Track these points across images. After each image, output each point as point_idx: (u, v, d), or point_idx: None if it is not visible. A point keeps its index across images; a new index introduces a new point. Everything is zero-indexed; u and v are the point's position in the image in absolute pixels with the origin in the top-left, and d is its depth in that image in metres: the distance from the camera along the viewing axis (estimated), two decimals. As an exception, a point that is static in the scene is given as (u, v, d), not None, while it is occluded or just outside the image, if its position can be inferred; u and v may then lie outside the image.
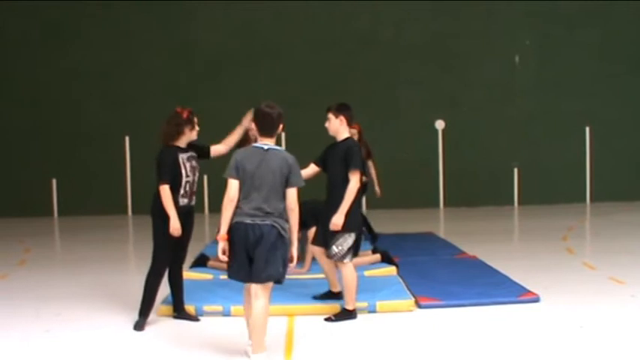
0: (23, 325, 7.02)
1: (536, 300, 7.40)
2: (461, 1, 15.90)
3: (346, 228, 6.77)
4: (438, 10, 15.94)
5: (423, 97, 15.85)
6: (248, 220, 5.48)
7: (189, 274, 8.46)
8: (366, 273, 8.51)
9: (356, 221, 6.88)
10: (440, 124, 16.00)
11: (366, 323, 6.85)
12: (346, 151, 6.84)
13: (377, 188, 11.11)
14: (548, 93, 16.10)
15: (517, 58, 16.12)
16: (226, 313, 7.07)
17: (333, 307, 7.08)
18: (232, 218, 5.54)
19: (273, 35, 15.83)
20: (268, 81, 15.74)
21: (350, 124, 7.01)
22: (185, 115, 6.79)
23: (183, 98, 15.28)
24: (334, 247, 6.84)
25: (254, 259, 5.47)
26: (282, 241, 5.52)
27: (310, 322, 6.83)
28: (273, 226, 5.48)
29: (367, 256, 9.04)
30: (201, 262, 8.95)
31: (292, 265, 5.70)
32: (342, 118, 6.92)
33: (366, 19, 15.98)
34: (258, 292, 5.53)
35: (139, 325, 6.76)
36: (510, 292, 7.65)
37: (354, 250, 8.85)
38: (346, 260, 6.87)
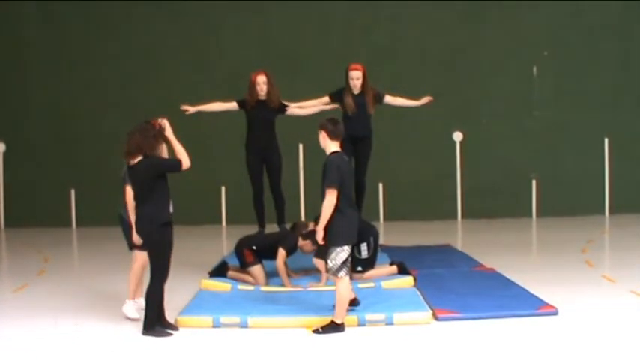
0: (42, 334, 7.07)
1: (555, 313, 7.36)
2: (478, 13, 15.87)
3: (335, 242, 6.83)
4: (455, 22, 15.90)
5: (441, 109, 15.77)
6: None
7: (207, 284, 8.51)
8: (384, 284, 8.51)
9: (347, 235, 6.90)
10: (458, 136, 15.97)
11: (384, 336, 6.84)
12: (324, 167, 6.95)
13: None
14: (566, 104, 16.00)
15: (535, 70, 16.07)
16: (243, 325, 7.08)
17: (349, 318, 7.08)
18: None
19: (293, 48, 15.85)
20: (287, 94, 15.71)
21: (333, 139, 7.02)
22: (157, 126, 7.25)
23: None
24: (329, 262, 6.89)
25: None
26: None
27: (327, 334, 6.83)
28: None
29: (384, 268, 9.06)
30: (221, 270, 8.94)
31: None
32: (323, 133, 7.03)
33: (384, 32, 15.96)
34: None
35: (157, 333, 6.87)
36: (528, 304, 7.62)
37: (368, 264, 8.94)
38: (340, 274, 6.87)
